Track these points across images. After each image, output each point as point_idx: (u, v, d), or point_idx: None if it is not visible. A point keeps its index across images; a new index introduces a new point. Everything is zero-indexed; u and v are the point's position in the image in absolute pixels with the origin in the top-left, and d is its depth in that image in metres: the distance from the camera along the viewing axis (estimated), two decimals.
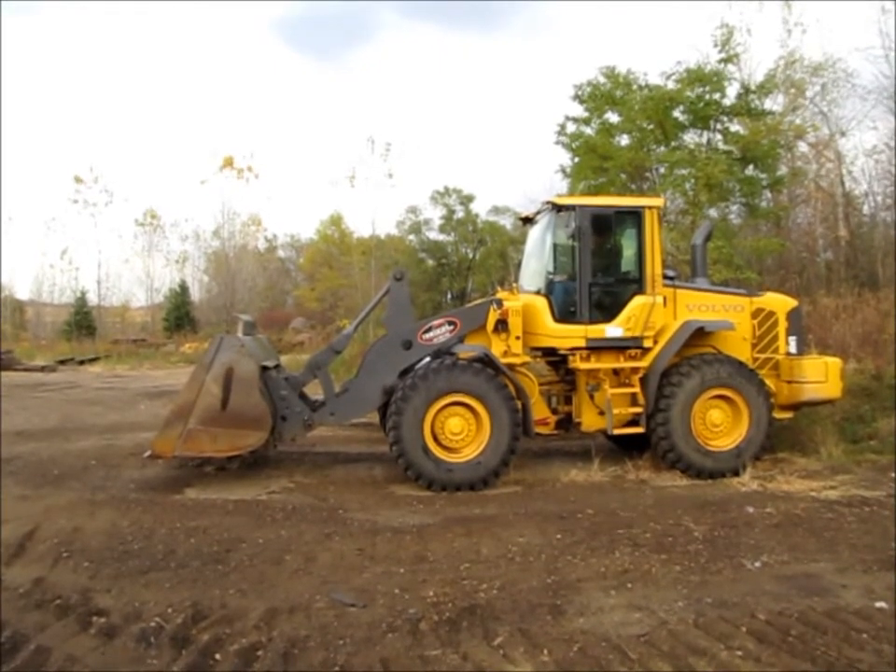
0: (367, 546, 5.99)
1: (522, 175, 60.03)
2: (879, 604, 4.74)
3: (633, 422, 8.81)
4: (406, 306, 8.99)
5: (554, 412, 9.15)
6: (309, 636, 4.33)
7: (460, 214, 38.97)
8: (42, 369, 25.98)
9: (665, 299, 8.86)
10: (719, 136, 22.27)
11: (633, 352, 8.76)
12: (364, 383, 8.73)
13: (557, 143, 23.80)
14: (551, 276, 9.02)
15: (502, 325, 8.57)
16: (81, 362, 29.82)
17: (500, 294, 9.04)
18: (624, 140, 22.64)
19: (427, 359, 8.56)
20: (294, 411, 8.58)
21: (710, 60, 21.36)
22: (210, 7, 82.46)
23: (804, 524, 6.55)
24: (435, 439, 8.22)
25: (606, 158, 21.63)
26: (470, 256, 38.89)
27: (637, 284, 8.81)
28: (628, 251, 9.16)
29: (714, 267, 19.68)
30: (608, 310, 8.75)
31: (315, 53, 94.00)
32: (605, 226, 8.76)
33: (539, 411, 8.94)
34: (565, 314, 8.74)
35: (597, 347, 8.71)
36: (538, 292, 9.01)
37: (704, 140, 22.43)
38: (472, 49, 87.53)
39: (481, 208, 41.04)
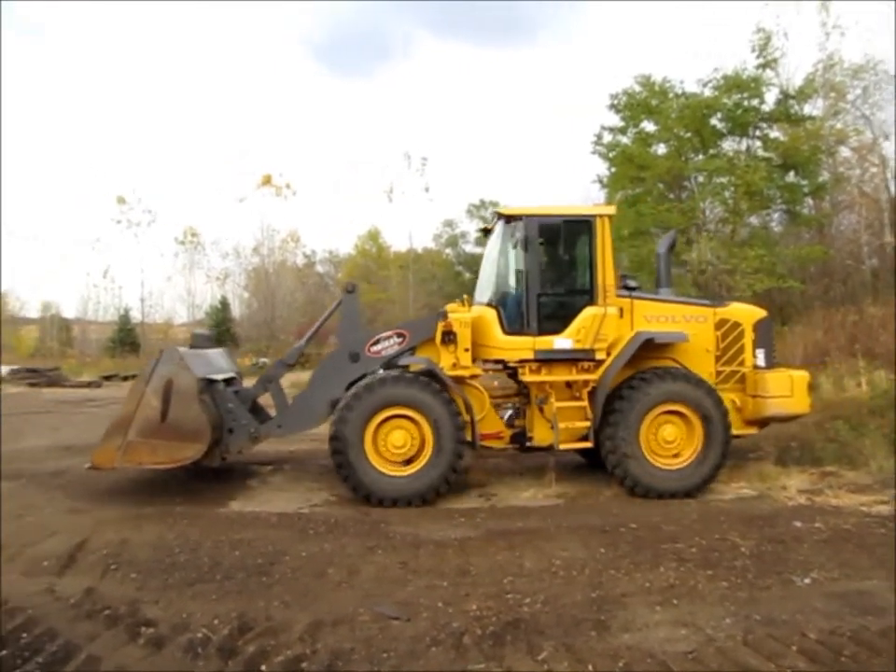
0: (409, 559, 5.99)
1: (558, 186, 59.91)
2: None
3: (587, 436, 8.54)
4: (356, 319, 8.99)
5: (511, 425, 8.99)
6: (353, 648, 4.35)
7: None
8: (88, 385, 26.55)
9: (621, 310, 8.68)
10: (758, 143, 22.06)
11: (586, 365, 8.55)
12: (312, 395, 8.74)
13: (594, 153, 23.83)
14: (499, 288, 8.94)
15: (449, 337, 8.48)
16: (126, 378, 30.36)
17: (449, 306, 8.98)
18: (661, 149, 22.55)
19: (381, 372, 8.54)
20: (241, 423, 8.62)
21: (748, 65, 21.13)
22: (246, 28, 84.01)
23: (854, 539, 6.39)
24: (379, 452, 8.16)
25: (643, 167, 21.55)
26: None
27: (587, 294, 8.61)
28: (579, 261, 8.97)
29: (755, 276, 19.46)
30: (557, 321, 8.56)
31: (349, 72, 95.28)
32: (554, 236, 8.59)
33: (492, 424, 8.79)
34: (513, 325, 8.59)
35: (547, 360, 8.55)
36: (488, 304, 8.89)
37: (743, 147, 22.23)
38: (502, 63, 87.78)
39: None
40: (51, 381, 25.69)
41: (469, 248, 39.08)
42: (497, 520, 7.32)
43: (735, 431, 8.75)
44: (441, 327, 8.48)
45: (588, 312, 8.48)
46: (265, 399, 9.31)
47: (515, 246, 8.69)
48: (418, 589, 5.35)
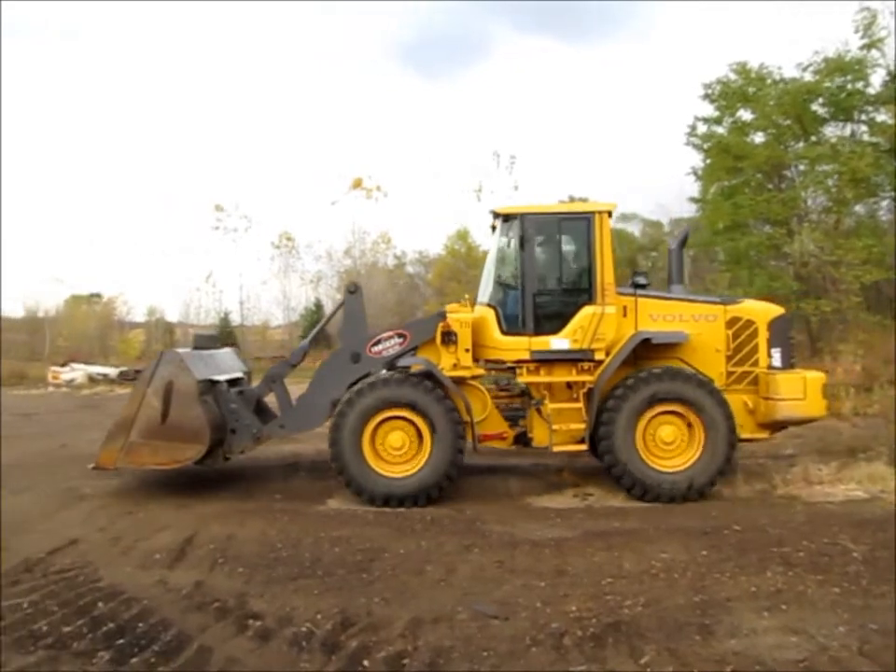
0: (506, 558, 6.00)
1: (650, 180, 58.58)
2: None
3: (584, 438, 8.35)
4: (360, 319, 8.97)
5: (515, 426, 8.85)
6: (453, 646, 4.38)
7: None
8: None
9: (625, 308, 8.45)
10: (863, 128, 21.03)
11: (586, 365, 8.35)
12: (315, 396, 8.77)
13: (687, 144, 23.23)
14: (497, 287, 8.81)
15: (450, 337, 8.41)
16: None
17: (449, 307, 8.91)
18: (759, 138, 21.79)
19: (383, 372, 8.52)
20: (243, 423, 8.73)
21: (851, 47, 20.14)
22: (335, 33, 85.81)
23: None
24: (378, 454, 8.15)
25: (740, 157, 20.89)
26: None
27: (585, 294, 8.41)
28: (577, 260, 8.75)
29: (863, 268, 18.56)
30: (554, 321, 8.40)
31: (435, 73, 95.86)
32: (551, 234, 8.49)
33: (495, 425, 8.69)
34: (510, 325, 8.49)
35: (544, 360, 8.40)
36: (488, 304, 8.77)
37: (847, 133, 21.22)
38: (587, 58, 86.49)
39: None
40: None
41: None
42: (594, 520, 7.26)
43: (746, 435, 8.45)
44: (440, 327, 8.48)
45: (586, 311, 8.33)
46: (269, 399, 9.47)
47: (509, 245, 8.67)
48: (516, 588, 5.35)
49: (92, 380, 27.26)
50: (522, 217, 8.52)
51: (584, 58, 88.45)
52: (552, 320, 8.44)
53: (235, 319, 46.28)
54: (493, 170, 34.23)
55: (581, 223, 8.52)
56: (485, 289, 9.07)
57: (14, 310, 45.67)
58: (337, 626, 4.69)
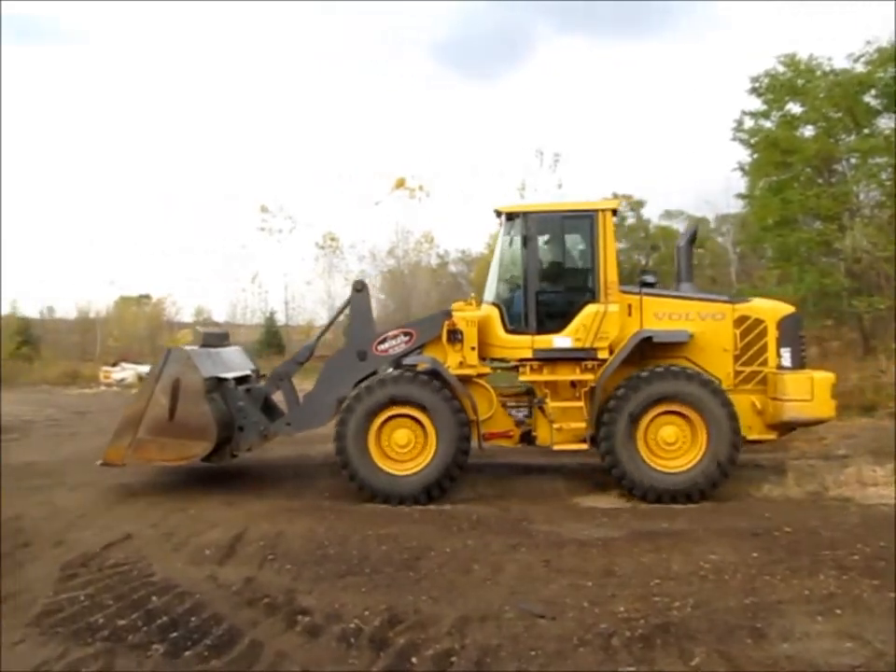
0: (553, 558, 5.98)
1: (695, 176, 57.64)
2: None
3: (592, 437, 8.29)
4: (366, 317, 9.00)
5: (521, 424, 8.79)
6: (500, 645, 4.39)
7: (631, 220, 38.14)
8: None
9: (629, 307, 8.36)
10: None
11: (589, 364, 8.28)
12: (321, 394, 8.80)
13: (734, 139, 22.76)
14: (501, 286, 8.79)
15: (455, 336, 8.42)
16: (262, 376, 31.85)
17: (455, 305, 8.92)
18: (809, 131, 21.27)
19: (390, 370, 8.54)
20: (251, 421, 8.79)
21: None
22: (377, 33, 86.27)
23: None
24: (383, 451, 8.20)
25: (788, 152, 20.43)
26: (643, 262, 37.90)
27: (589, 292, 8.34)
28: (580, 258, 8.67)
29: None
30: (557, 320, 8.36)
31: (476, 73, 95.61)
32: (554, 232, 8.47)
33: (501, 423, 8.69)
34: (513, 324, 8.48)
35: (547, 358, 8.34)
36: (493, 302, 8.74)
37: None
38: (628, 56, 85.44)
39: (652, 213, 39.92)
40: None
41: None
42: (641, 520, 7.19)
43: (753, 436, 8.31)
44: (446, 325, 8.50)
45: (588, 310, 8.29)
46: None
47: (511, 244, 8.67)
48: (562, 588, 5.33)
49: (142, 379, 27.74)
50: (524, 215, 8.55)
51: (626, 55, 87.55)
52: (554, 319, 8.45)
53: (280, 319, 46.83)
54: (536, 168, 33.95)
55: (584, 221, 8.52)
56: (490, 288, 9.11)
57: (67, 311, 46.83)
58: (385, 623, 4.72)
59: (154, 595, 5.25)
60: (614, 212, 8.56)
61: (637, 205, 38.13)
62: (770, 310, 8.64)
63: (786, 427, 8.49)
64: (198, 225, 74.66)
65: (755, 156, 22.45)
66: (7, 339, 36.06)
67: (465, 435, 8.18)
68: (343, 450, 8.20)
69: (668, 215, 37.83)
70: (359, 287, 9.19)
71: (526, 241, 8.43)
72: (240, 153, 75.24)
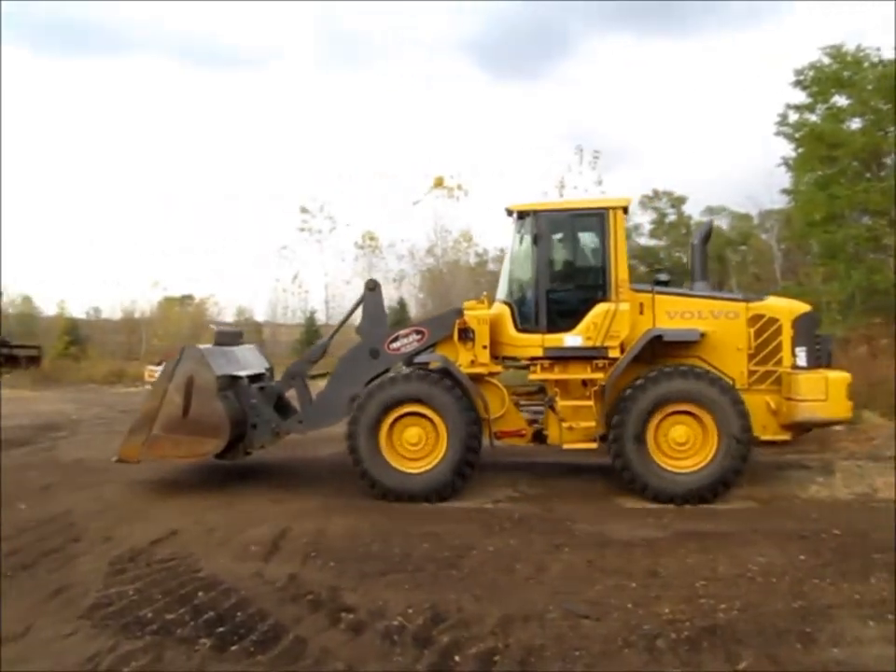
0: (596, 558, 5.94)
1: (738, 172, 56.76)
2: None
3: (603, 437, 8.18)
4: (379, 315, 9.00)
5: (534, 423, 8.72)
6: (544, 645, 4.37)
7: (672, 217, 37.74)
8: None
9: (641, 305, 8.25)
10: None
11: (600, 363, 8.17)
12: (333, 392, 8.80)
13: (778, 134, 22.36)
14: (512, 284, 8.73)
15: (467, 334, 8.39)
16: (313, 377, 32.17)
17: (466, 303, 8.85)
18: (856, 124, 20.81)
19: (402, 368, 8.54)
20: (264, 419, 8.81)
21: None
22: (414, 35, 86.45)
23: None
24: (395, 449, 8.19)
25: (835, 146, 20.00)
26: (684, 260, 37.46)
27: (600, 290, 8.24)
28: (591, 256, 8.56)
29: None
30: (567, 318, 8.26)
31: (513, 73, 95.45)
32: (565, 230, 8.41)
33: (513, 422, 8.61)
34: (524, 322, 8.42)
35: (557, 357, 8.26)
36: (504, 301, 8.69)
37: None
38: (668, 54, 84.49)
39: (694, 210, 39.42)
40: None
41: (644, 241, 38.04)
42: (686, 521, 7.10)
43: (767, 436, 8.13)
44: (457, 324, 8.48)
45: (599, 308, 8.20)
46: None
47: (522, 242, 8.62)
48: (606, 588, 5.29)
49: None
50: (535, 213, 8.52)
51: (666, 50, 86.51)
52: (565, 317, 8.39)
53: (321, 318, 47.19)
54: (576, 165, 33.71)
55: (594, 219, 8.47)
56: (502, 286, 9.10)
57: (113, 312, 47.85)
58: (428, 621, 4.73)
59: (201, 590, 5.33)
60: (625, 210, 8.51)
61: (678, 202, 37.75)
62: (785, 309, 8.49)
63: (800, 428, 8.33)
64: (239, 226, 75.88)
65: (800, 150, 22.02)
66: (56, 339, 36.97)
67: (475, 433, 8.20)
68: (355, 448, 8.26)
69: (710, 211, 37.31)
70: (372, 286, 9.24)
71: (537, 239, 8.41)
72: (282, 154, 76.28)
